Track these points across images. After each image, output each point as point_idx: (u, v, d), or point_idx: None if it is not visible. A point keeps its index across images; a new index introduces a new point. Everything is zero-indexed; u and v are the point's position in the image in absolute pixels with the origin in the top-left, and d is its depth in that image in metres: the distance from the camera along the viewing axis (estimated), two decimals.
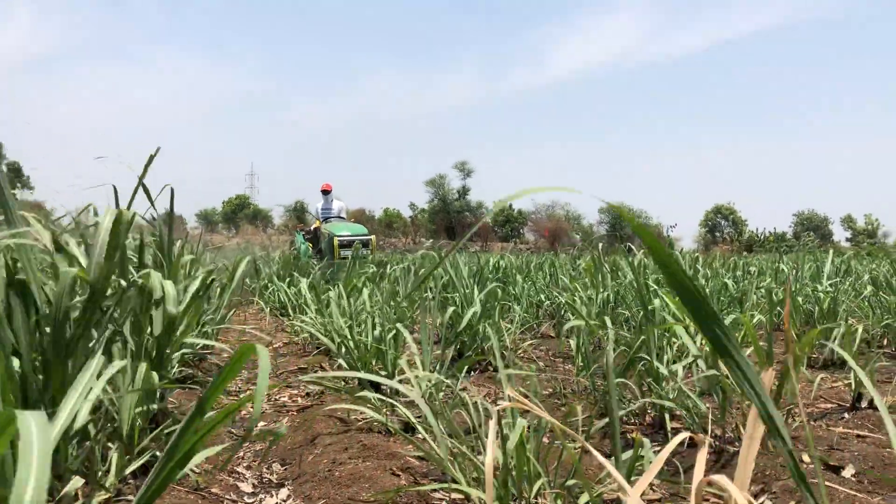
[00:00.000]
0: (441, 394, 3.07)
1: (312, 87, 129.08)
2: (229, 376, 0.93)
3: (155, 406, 2.38)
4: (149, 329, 2.40)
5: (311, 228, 13.17)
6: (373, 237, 12.21)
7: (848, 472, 2.43)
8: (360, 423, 3.08)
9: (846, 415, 3.25)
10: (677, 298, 3.26)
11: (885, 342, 4.74)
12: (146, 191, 2.75)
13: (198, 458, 1.84)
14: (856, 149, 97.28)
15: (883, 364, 4.37)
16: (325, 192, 13.09)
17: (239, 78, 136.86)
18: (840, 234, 51.54)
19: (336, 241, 11.47)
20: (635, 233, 0.90)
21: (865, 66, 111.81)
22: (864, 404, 3.35)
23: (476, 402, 2.45)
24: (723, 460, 2.62)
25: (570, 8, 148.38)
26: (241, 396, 3.77)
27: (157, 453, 2.25)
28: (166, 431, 2.35)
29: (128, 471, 2.13)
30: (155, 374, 2.31)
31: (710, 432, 2.79)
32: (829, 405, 3.45)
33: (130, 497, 2.06)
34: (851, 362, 1.73)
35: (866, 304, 5.14)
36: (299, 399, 3.76)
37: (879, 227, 49.11)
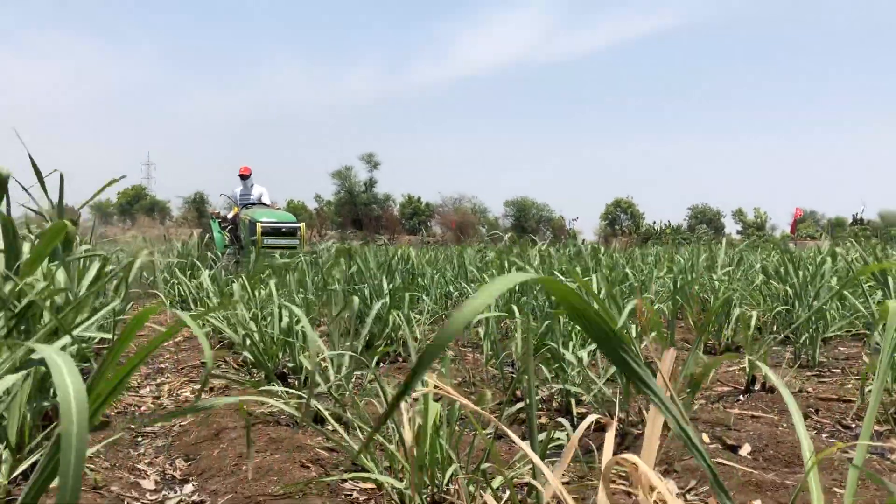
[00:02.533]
0: (351, 385, 3.03)
1: (211, 76, 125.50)
2: (126, 342, 0.88)
3: (47, 403, 2.25)
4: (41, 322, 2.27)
5: (229, 216, 11.73)
6: (302, 225, 10.81)
7: (744, 451, 2.54)
8: (268, 416, 3.02)
9: (741, 397, 3.41)
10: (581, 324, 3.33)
11: (775, 328, 5.00)
12: (40, 178, 2.60)
13: (92, 450, 1.75)
14: (746, 144, 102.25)
15: (774, 348, 4.61)
16: (244, 177, 11.74)
17: (133, 65, 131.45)
18: (731, 227, 54.02)
19: (259, 227, 10.10)
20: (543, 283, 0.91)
21: (756, 65, 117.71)
22: (757, 387, 3.52)
23: (386, 391, 2.43)
24: (627, 442, 2.69)
25: (473, 4, 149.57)
26: (142, 391, 3.63)
27: None
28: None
29: (18, 471, 2.01)
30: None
31: (615, 416, 2.87)
32: (725, 388, 3.61)
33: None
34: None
35: (758, 292, 5.40)
36: (202, 394, 3.64)
37: (767, 221, 51.80)
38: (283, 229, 10.28)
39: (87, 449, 0.68)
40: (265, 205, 11.52)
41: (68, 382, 0.73)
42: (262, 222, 10.17)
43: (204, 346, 1.00)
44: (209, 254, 9.90)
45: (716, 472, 1.08)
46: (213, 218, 12.15)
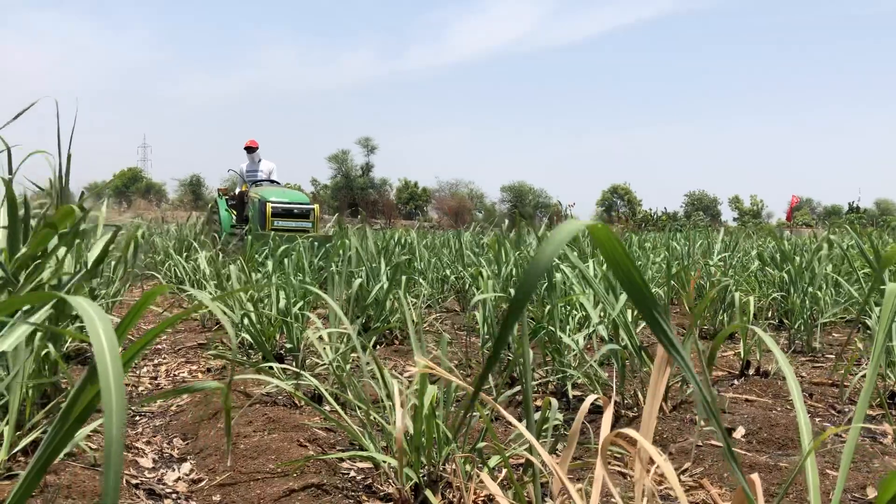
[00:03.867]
0: (348, 366, 3.04)
1: (207, 58, 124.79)
2: (136, 317, 0.89)
3: (48, 380, 2.26)
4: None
5: (237, 193, 10.62)
6: (316, 207, 9.70)
7: (739, 434, 2.56)
8: (265, 396, 3.03)
9: (736, 381, 3.43)
10: (577, 273, 3.34)
11: (771, 313, 5.03)
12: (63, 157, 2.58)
13: (92, 426, 1.76)
14: (743, 132, 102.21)
15: (769, 334, 4.63)
16: (251, 150, 10.56)
17: (128, 47, 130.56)
18: (728, 215, 54.12)
19: (269, 207, 9.08)
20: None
21: (754, 52, 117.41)
22: (751, 371, 3.54)
23: (384, 372, 2.44)
24: (621, 425, 2.71)
25: None
26: (140, 373, 3.64)
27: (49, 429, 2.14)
28: (60, 406, 2.23)
29: (18, 447, 2.02)
30: (51, 346, 2.19)
31: (612, 398, 2.89)
32: (720, 373, 3.63)
33: (22, 473, 1.95)
34: (768, 337, 1.82)
35: (753, 278, 5.42)
36: (200, 375, 3.66)
37: (763, 208, 51.90)
38: (295, 210, 9.31)
39: (124, 395, 0.69)
40: (275, 182, 10.50)
41: (100, 329, 0.74)
42: (271, 202, 9.16)
43: (228, 329, 1.00)
44: (212, 234, 9.51)
45: (729, 443, 1.09)
46: (219, 195, 11.02)
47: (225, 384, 1.11)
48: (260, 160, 10.60)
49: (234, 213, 10.34)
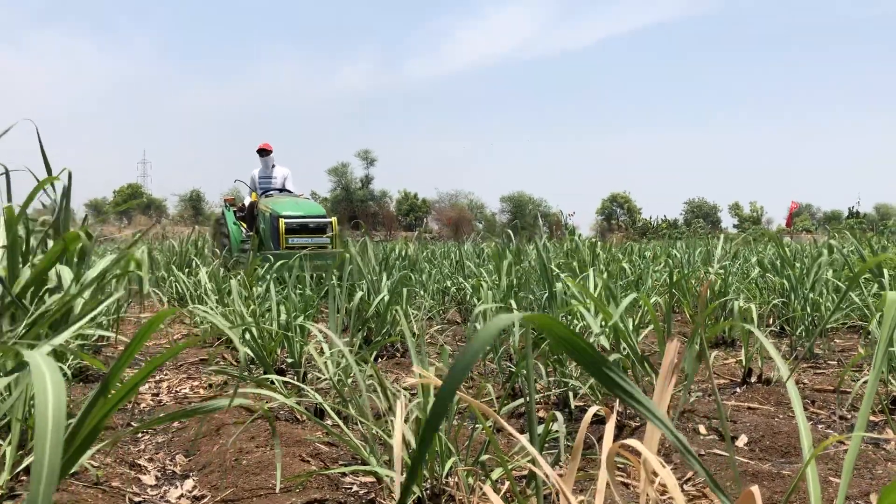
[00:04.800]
0: (350, 379, 3.04)
1: (206, 73, 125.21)
2: (139, 344, 0.90)
3: None
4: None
5: (246, 203, 9.55)
6: (334, 220, 8.57)
7: (741, 442, 2.56)
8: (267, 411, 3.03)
9: (738, 389, 3.43)
10: (578, 283, 3.34)
11: (772, 321, 5.02)
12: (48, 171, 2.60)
13: (98, 446, 1.76)
14: (742, 138, 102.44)
15: (771, 341, 4.63)
16: (263, 153, 9.42)
17: (127, 62, 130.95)
18: (728, 221, 54.22)
19: (282, 223, 8.10)
20: None
21: (752, 59, 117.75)
22: (753, 379, 3.54)
23: (385, 385, 2.44)
24: (624, 435, 2.71)
25: (468, 0, 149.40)
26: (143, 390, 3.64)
27: None
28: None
29: (21, 467, 2.02)
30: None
31: (614, 409, 2.89)
32: (722, 381, 3.63)
33: (24, 494, 1.95)
34: (763, 337, 1.83)
35: (754, 285, 5.42)
36: (202, 390, 3.65)
37: (763, 214, 51.96)
38: (311, 225, 8.31)
39: (58, 471, 0.67)
40: (289, 192, 9.40)
41: (49, 394, 0.71)
42: (284, 217, 8.19)
43: (238, 347, 1.01)
44: (222, 251, 8.71)
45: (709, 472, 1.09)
46: (226, 206, 9.85)
47: (229, 400, 1.11)
48: (274, 165, 9.57)
49: (244, 225, 9.35)
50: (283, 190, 9.38)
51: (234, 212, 9.62)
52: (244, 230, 9.22)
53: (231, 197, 10.17)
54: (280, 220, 8.13)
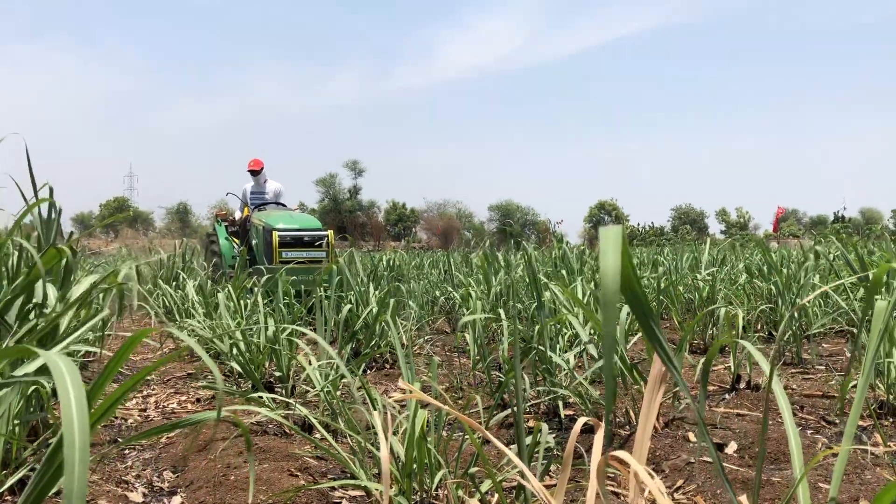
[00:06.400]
0: (338, 392, 3.03)
1: (193, 84, 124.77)
2: (120, 361, 0.89)
3: (34, 415, 2.24)
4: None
5: (238, 218, 9.27)
6: (330, 233, 8.25)
7: (731, 449, 2.56)
8: (255, 425, 3.01)
9: (727, 396, 3.43)
10: (569, 291, 3.34)
11: (759, 326, 5.04)
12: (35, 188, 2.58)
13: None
14: (728, 145, 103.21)
15: (759, 347, 4.65)
16: (254, 172, 9.14)
17: (113, 75, 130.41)
18: (715, 227, 54.53)
19: (275, 236, 7.80)
20: None
21: (737, 66, 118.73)
22: (742, 385, 3.55)
23: (375, 398, 2.43)
24: (614, 444, 2.71)
25: (455, 8, 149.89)
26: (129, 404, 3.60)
27: (38, 466, 2.12)
28: (48, 442, 2.21)
29: (5, 486, 1.99)
30: (41, 381, 2.17)
31: (603, 418, 2.88)
32: (711, 387, 3.63)
33: None
34: (754, 349, 1.83)
35: (741, 291, 5.44)
36: (189, 405, 3.62)
37: (750, 220, 52.30)
38: (306, 238, 8.00)
39: (89, 457, 0.68)
40: (282, 205, 9.20)
41: (70, 389, 0.73)
42: (278, 230, 7.89)
43: (213, 369, 1.00)
44: (214, 267, 8.40)
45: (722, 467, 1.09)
46: (217, 220, 9.51)
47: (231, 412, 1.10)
48: (266, 180, 9.28)
49: (236, 241, 9.04)
50: (277, 204, 9.12)
51: (226, 226, 9.31)
52: (235, 246, 8.94)
53: (223, 211, 9.71)
54: (273, 233, 7.84)
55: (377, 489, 2.02)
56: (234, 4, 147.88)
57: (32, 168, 2.59)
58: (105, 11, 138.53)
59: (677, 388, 3.24)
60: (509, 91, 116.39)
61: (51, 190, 2.52)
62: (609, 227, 0.88)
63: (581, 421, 1.48)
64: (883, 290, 4.03)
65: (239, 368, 3.58)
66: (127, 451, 2.86)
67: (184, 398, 3.76)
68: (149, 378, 4.31)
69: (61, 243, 3.46)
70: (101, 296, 4.32)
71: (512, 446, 1.81)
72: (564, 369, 3.11)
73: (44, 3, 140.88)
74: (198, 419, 1.36)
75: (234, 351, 3.63)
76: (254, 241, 8.36)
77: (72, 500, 0.64)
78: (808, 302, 4.55)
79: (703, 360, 3.81)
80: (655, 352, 0.95)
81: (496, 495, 2.04)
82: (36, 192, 2.57)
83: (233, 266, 8.33)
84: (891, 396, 2.95)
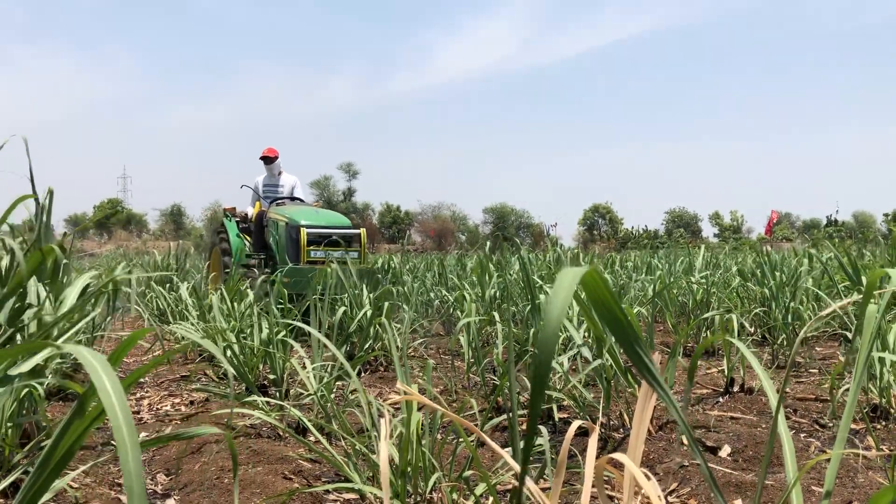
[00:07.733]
0: (332, 395, 3.03)
1: (188, 87, 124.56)
2: (117, 361, 0.88)
3: (27, 418, 2.23)
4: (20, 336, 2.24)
5: (249, 214, 8.44)
6: (362, 231, 7.50)
7: (724, 452, 2.57)
8: (249, 428, 3.00)
9: (720, 399, 3.44)
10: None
11: (754, 329, 5.05)
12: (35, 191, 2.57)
13: (74, 473, 1.73)
14: (722, 148, 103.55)
15: (752, 350, 4.66)
16: (268, 160, 8.29)
17: (108, 78, 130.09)
18: (709, 231, 54.67)
19: (304, 233, 6.97)
20: None
21: (731, 70, 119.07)
22: (735, 388, 3.55)
23: (370, 401, 2.43)
24: (609, 447, 2.71)
25: (450, 12, 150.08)
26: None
27: (31, 469, 2.11)
28: (41, 445, 2.20)
29: None
30: (35, 384, 2.16)
31: (598, 421, 2.88)
32: (705, 390, 3.64)
33: None
34: (747, 350, 1.83)
35: (735, 294, 5.46)
36: (183, 408, 3.61)
37: (743, 223, 52.45)
38: (335, 237, 7.22)
39: (137, 439, 0.70)
40: (301, 201, 8.38)
41: (105, 380, 0.75)
42: (304, 226, 7.07)
43: (228, 370, 1.00)
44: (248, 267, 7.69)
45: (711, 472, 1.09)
46: (227, 216, 8.64)
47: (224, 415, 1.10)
48: (281, 172, 8.42)
49: (248, 238, 8.28)
50: (293, 199, 8.32)
51: (237, 222, 8.49)
52: (247, 244, 8.23)
53: (232, 207, 8.80)
54: (301, 229, 7.03)
55: (372, 493, 2.02)
56: (229, 8, 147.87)
57: (32, 169, 2.58)
58: (101, 15, 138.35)
59: (672, 392, 3.25)
60: (504, 95, 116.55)
61: (51, 192, 2.51)
62: (568, 269, 0.83)
63: (575, 424, 1.48)
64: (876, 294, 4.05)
65: (233, 371, 3.57)
66: None
67: (177, 400, 3.75)
68: (142, 380, 4.29)
69: (52, 243, 3.45)
70: (93, 298, 4.31)
71: (507, 449, 1.81)
72: (559, 372, 3.12)
73: (39, 5, 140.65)
74: (197, 433, 1.36)
75: (228, 353, 3.62)
76: (273, 238, 7.63)
77: (132, 482, 0.68)
78: (802, 305, 4.57)
79: (689, 362, 3.81)
80: (643, 378, 0.95)
81: (490, 498, 2.04)
82: (36, 193, 2.56)
83: (245, 265, 7.76)
84: (883, 400, 2.96)
